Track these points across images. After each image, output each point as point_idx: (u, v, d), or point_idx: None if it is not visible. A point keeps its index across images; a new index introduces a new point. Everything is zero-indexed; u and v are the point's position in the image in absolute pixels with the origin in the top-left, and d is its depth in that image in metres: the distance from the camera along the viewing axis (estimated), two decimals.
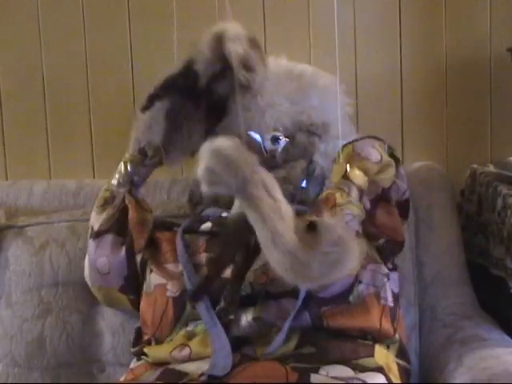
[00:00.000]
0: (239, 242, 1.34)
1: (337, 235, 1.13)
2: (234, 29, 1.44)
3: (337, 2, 1.85)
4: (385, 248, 1.44)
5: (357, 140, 1.47)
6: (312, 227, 1.16)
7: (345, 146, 1.45)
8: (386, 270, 1.43)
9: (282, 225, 1.14)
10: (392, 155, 1.49)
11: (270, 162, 1.50)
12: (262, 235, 1.15)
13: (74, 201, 1.79)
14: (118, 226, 1.51)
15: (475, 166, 1.77)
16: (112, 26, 1.87)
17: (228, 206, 1.49)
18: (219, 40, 1.43)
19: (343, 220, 1.30)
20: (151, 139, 1.49)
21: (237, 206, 1.32)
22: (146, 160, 1.51)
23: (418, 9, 1.85)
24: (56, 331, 1.65)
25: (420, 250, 1.68)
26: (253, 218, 1.16)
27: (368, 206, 1.42)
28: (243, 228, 1.22)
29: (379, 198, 1.44)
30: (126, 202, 1.51)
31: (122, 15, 1.87)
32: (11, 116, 1.92)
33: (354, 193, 1.39)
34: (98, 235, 1.52)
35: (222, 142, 1.17)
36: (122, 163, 1.52)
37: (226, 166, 1.15)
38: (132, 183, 1.52)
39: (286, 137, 1.51)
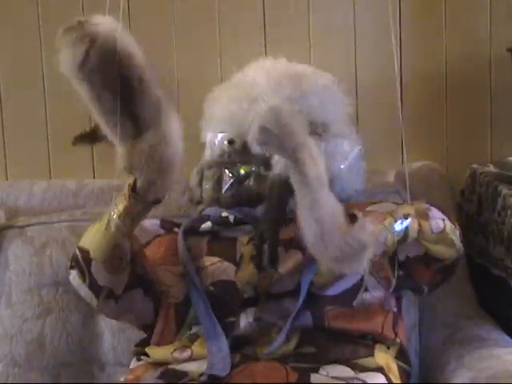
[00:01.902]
0: (283, 201, 1.31)
1: (365, 239, 1.15)
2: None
3: (337, 2, 1.86)
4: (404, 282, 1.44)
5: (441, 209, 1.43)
6: (351, 218, 1.18)
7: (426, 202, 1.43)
8: (395, 283, 1.43)
9: (322, 193, 1.16)
10: None
11: (269, 160, 1.50)
12: (302, 198, 1.16)
13: (74, 201, 1.79)
14: (136, 278, 1.39)
15: (475, 165, 1.77)
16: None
17: (228, 205, 1.49)
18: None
19: (379, 236, 1.31)
20: (162, 194, 1.30)
21: (278, 167, 1.29)
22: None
23: (418, 9, 1.85)
24: (56, 331, 1.65)
25: None
26: (297, 181, 1.17)
27: (402, 258, 1.40)
28: (286, 188, 1.22)
29: (420, 259, 1.40)
30: (134, 247, 1.38)
31: (122, 15, 1.87)
32: (11, 116, 1.92)
33: (400, 231, 1.36)
34: (118, 297, 1.39)
35: (281, 104, 1.17)
36: (126, 213, 1.32)
37: (282, 127, 1.14)
38: (136, 226, 1.36)
39: None
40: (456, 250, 1.41)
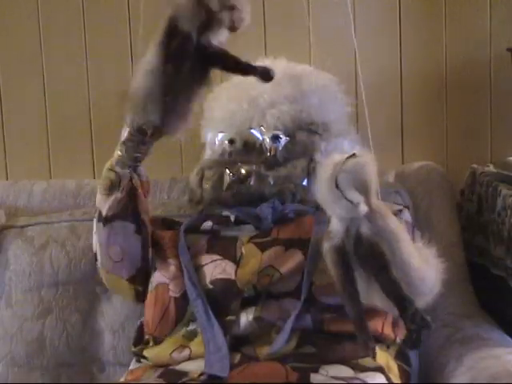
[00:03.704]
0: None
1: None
2: None
3: (336, 2, 1.86)
4: None
5: None
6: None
7: None
8: None
9: (410, 245, 1.12)
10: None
11: (270, 160, 1.51)
12: (398, 255, 1.10)
13: (74, 201, 1.79)
14: (129, 212, 1.44)
15: (475, 165, 1.77)
16: (112, 25, 1.87)
17: (228, 204, 1.49)
18: None
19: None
20: (150, 119, 1.35)
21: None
22: (146, 138, 1.40)
23: (418, 9, 1.85)
24: (56, 331, 1.65)
25: None
26: (388, 229, 1.09)
27: None
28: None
29: None
30: (134, 182, 1.44)
31: (122, 15, 1.87)
32: (11, 116, 1.92)
33: None
34: (108, 221, 1.44)
35: (364, 160, 1.09)
36: (122, 143, 1.43)
37: (367, 184, 1.07)
38: (136, 161, 1.43)
39: (286, 135, 1.52)
40: None
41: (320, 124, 1.54)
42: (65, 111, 1.91)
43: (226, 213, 1.48)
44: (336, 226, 1.10)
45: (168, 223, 1.55)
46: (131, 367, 1.44)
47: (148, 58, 1.33)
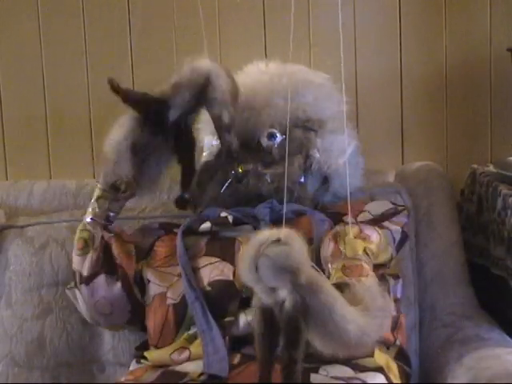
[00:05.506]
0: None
1: (381, 302, 1.13)
2: (216, 71, 1.44)
3: (336, 2, 1.86)
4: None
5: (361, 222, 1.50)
6: (352, 290, 1.15)
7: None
8: (388, 284, 1.44)
9: (347, 306, 1.08)
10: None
11: (267, 158, 1.51)
12: (332, 318, 1.06)
13: (74, 201, 1.79)
14: (106, 266, 1.49)
15: (475, 165, 1.77)
16: (112, 25, 1.87)
17: (227, 205, 1.49)
18: (204, 83, 1.42)
19: (381, 287, 1.24)
20: (122, 174, 1.44)
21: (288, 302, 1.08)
22: (119, 195, 1.48)
23: (418, 9, 1.85)
24: (56, 331, 1.65)
25: (420, 249, 1.68)
26: (321, 306, 1.05)
27: None
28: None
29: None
30: (106, 239, 1.50)
31: (122, 15, 1.87)
32: (11, 116, 1.92)
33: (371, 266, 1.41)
34: (89, 280, 1.48)
35: (287, 248, 1.02)
36: (95, 200, 1.49)
37: (292, 265, 1.01)
38: (107, 219, 1.50)
39: (282, 133, 1.52)
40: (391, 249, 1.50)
41: (315, 121, 1.55)
42: (65, 111, 1.91)
43: (224, 213, 1.48)
44: (263, 297, 1.06)
45: (166, 226, 1.55)
46: (131, 368, 1.45)
47: (125, 118, 1.45)
